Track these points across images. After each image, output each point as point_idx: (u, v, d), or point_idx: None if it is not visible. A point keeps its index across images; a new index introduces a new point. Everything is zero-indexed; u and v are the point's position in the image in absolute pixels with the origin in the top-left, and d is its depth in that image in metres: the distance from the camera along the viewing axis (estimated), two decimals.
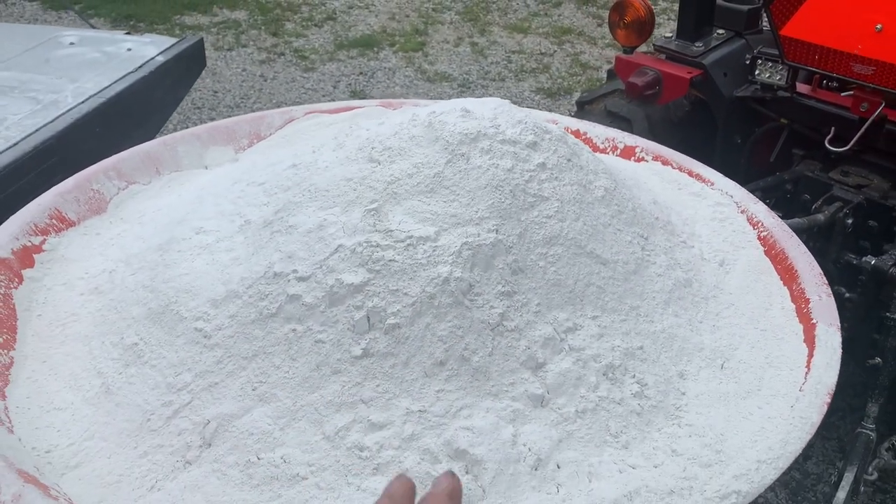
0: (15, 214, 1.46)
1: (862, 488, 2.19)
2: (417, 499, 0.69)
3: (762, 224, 1.59)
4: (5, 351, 1.23)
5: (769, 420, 1.16)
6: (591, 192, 1.35)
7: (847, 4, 2.50)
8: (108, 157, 1.67)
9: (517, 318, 1.17)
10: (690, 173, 1.76)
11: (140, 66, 2.78)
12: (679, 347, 1.26)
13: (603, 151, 1.86)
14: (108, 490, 1.04)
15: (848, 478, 2.12)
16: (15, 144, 2.24)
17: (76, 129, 2.39)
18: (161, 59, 2.86)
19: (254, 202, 1.37)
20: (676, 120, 3.03)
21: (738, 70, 2.91)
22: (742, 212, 1.64)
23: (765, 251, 1.54)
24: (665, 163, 1.80)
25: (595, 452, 1.09)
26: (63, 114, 2.42)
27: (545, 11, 7.13)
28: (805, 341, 1.31)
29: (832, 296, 1.37)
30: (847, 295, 2.47)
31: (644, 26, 2.99)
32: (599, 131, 1.90)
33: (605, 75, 3.85)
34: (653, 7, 3.03)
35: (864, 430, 2.23)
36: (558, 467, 1.07)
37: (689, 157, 1.80)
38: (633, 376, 1.18)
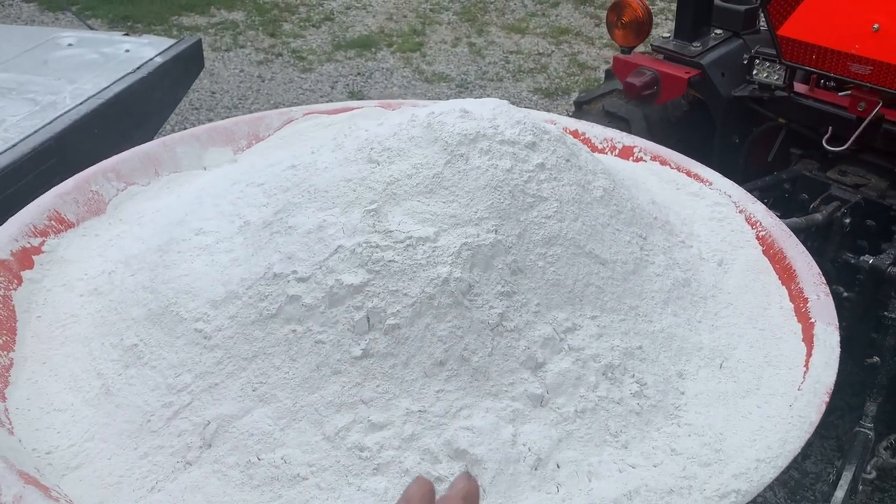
0: (14, 216, 1.46)
1: (860, 487, 2.19)
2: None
3: (760, 223, 1.59)
4: (5, 352, 1.23)
5: (768, 419, 1.16)
6: (590, 192, 1.35)
7: (844, 4, 2.51)
8: (106, 158, 1.67)
9: (517, 319, 1.17)
10: (689, 173, 1.76)
11: (138, 68, 2.78)
12: (678, 347, 1.26)
13: (601, 151, 1.86)
14: (109, 491, 1.04)
15: (846, 477, 2.12)
16: (13, 146, 2.24)
17: (75, 131, 2.39)
18: (159, 60, 2.86)
19: (253, 203, 1.37)
20: (674, 120, 3.04)
21: (735, 70, 2.92)
22: (740, 211, 1.64)
23: (763, 251, 1.55)
24: (663, 163, 1.80)
25: (595, 452, 1.09)
26: (61, 115, 2.42)
27: (543, 11, 7.13)
28: (803, 340, 1.32)
29: (830, 295, 1.38)
30: (845, 294, 2.48)
31: (642, 26, 2.99)
32: (598, 131, 1.90)
33: (602, 75, 3.85)
34: (650, 7, 3.04)
35: (862, 429, 2.23)
36: (558, 467, 1.07)
37: (687, 157, 1.81)
38: (633, 376, 1.18)
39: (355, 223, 1.20)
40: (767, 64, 2.77)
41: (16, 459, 1.02)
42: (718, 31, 3.07)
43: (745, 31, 3.02)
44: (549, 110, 4.87)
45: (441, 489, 1.03)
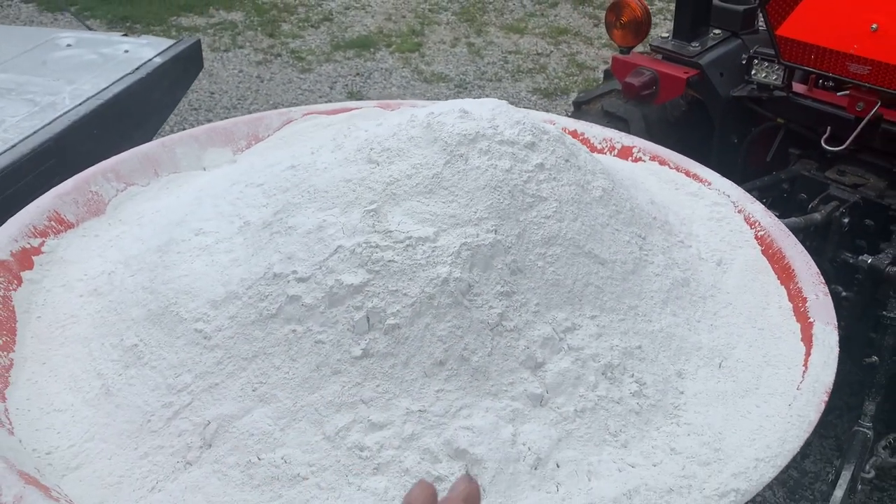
0: (13, 217, 1.46)
1: (859, 486, 2.20)
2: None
3: (759, 223, 1.60)
4: (5, 353, 1.23)
5: (767, 418, 1.17)
6: (589, 192, 1.35)
7: (843, 4, 2.51)
8: (106, 159, 1.67)
9: (516, 318, 1.17)
10: (688, 173, 1.76)
11: (137, 68, 2.78)
12: (677, 346, 1.27)
13: (600, 152, 1.86)
14: (109, 491, 1.04)
15: (845, 476, 2.13)
16: (13, 147, 2.24)
17: (74, 131, 2.39)
18: (158, 60, 2.85)
19: (253, 203, 1.37)
20: (673, 120, 3.04)
21: (734, 70, 2.92)
22: (739, 211, 1.64)
23: (762, 250, 1.55)
24: (662, 163, 1.80)
25: (594, 451, 1.10)
26: (61, 116, 2.42)
27: (541, 12, 7.13)
28: (802, 340, 1.32)
29: (829, 294, 1.38)
30: (844, 294, 2.48)
31: (640, 26, 2.99)
32: (597, 131, 1.90)
33: (601, 75, 3.86)
34: (649, 7, 3.04)
35: (861, 429, 2.23)
36: (558, 466, 1.07)
37: (686, 157, 1.81)
38: (632, 375, 1.19)
39: (355, 223, 1.21)
40: (766, 64, 2.77)
41: (16, 460, 1.02)
42: (717, 31, 3.07)
43: (743, 31, 3.03)
44: (547, 110, 4.88)
45: (441, 489, 1.03)
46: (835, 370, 1.22)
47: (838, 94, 2.77)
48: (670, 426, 1.15)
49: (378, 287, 1.14)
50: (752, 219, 1.61)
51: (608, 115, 2.95)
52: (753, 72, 2.80)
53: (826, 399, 1.16)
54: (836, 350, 1.25)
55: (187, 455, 1.08)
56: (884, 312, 2.35)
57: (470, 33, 6.66)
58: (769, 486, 1.07)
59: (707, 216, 1.63)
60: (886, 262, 2.36)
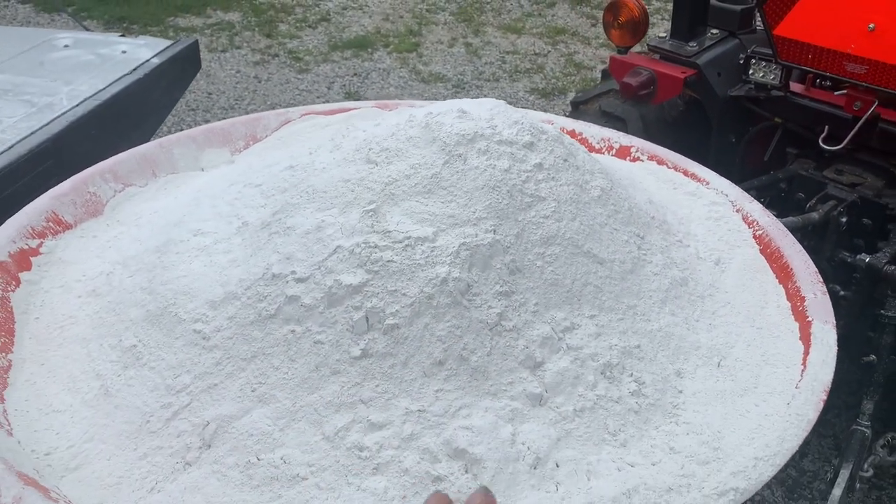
0: (11, 218, 1.46)
1: (858, 485, 2.20)
2: None
3: (757, 223, 1.60)
4: (3, 354, 1.23)
5: (766, 417, 1.17)
6: (588, 191, 1.36)
7: (840, 4, 2.52)
8: (104, 159, 1.67)
9: (515, 318, 1.17)
10: (686, 173, 1.77)
11: (135, 69, 2.78)
12: (676, 346, 1.27)
13: (598, 151, 1.87)
14: (108, 492, 1.04)
15: (844, 475, 2.13)
16: (10, 148, 2.24)
17: (71, 132, 2.38)
18: (156, 61, 2.85)
19: (251, 204, 1.37)
20: (671, 120, 3.05)
21: (731, 70, 2.93)
22: (737, 210, 1.64)
23: (760, 250, 1.55)
24: (660, 162, 1.80)
25: (593, 451, 1.10)
26: (58, 116, 2.42)
27: (539, 12, 7.14)
28: (801, 339, 1.32)
29: (827, 293, 1.38)
30: (842, 293, 2.49)
31: (638, 26, 3.00)
32: (595, 131, 1.90)
33: (599, 75, 3.86)
34: (647, 7, 3.04)
35: (859, 427, 2.24)
36: (557, 466, 1.07)
37: (684, 157, 1.81)
38: (631, 375, 1.19)
39: (354, 223, 1.21)
40: (763, 63, 2.78)
41: (15, 461, 1.02)
42: (714, 31, 3.08)
43: (741, 31, 3.03)
44: (545, 110, 4.88)
45: (441, 488, 1.03)
46: (833, 369, 1.22)
47: (836, 93, 2.78)
48: (669, 425, 1.16)
49: (377, 287, 1.14)
50: (751, 218, 1.62)
51: (606, 115, 2.95)
52: (751, 71, 2.81)
53: (825, 398, 1.16)
54: (835, 349, 1.25)
55: (186, 455, 1.08)
56: (882, 311, 2.35)
57: (467, 33, 6.66)
58: (768, 485, 1.07)
59: (705, 215, 1.63)
60: (884, 260, 2.37)
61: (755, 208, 1.63)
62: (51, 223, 1.49)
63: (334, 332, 1.13)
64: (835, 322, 1.31)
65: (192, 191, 1.60)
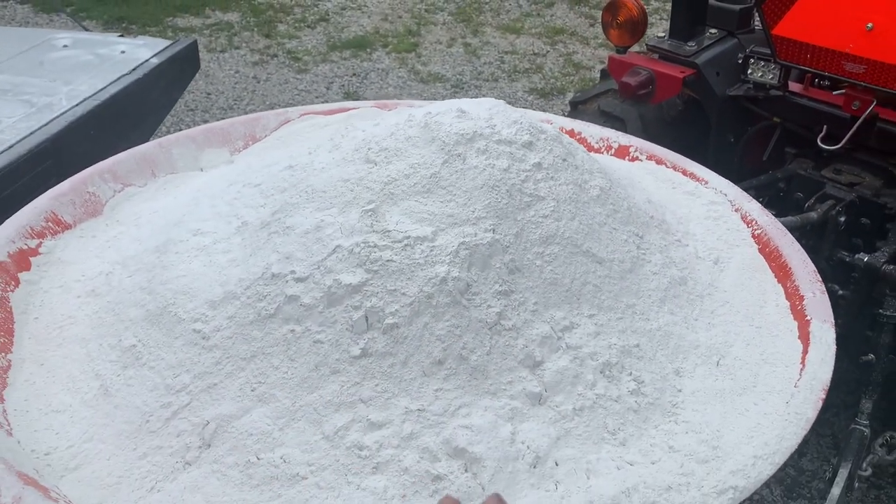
0: (10, 218, 1.46)
1: (856, 484, 2.20)
2: None
3: (756, 222, 1.60)
4: (3, 354, 1.23)
5: (765, 416, 1.17)
6: (587, 191, 1.36)
7: (838, 4, 2.52)
8: (103, 159, 1.67)
9: (514, 317, 1.17)
10: (684, 172, 1.77)
11: (134, 69, 2.78)
12: (675, 345, 1.27)
13: (597, 151, 1.87)
14: (108, 492, 1.04)
15: (842, 474, 2.13)
16: (9, 148, 2.24)
17: (71, 132, 2.38)
18: (155, 61, 2.85)
19: (250, 203, 1.37)
20: (670, 119, 3.04)
21: (730, 69, 2.93)
22: (736, 210, 1.65)
23: (759, 249, 1.55)
24: (659, 162, 1.81)
25: (593, 450, 1.10)
26: (57, 117, 2.42)
27: (538, 12, 7.14)
28: (800, 338, 1.32)
29: (826, 292, 1.38)
30: (840, 292, 2.49)
31: (637, 26, 3.00)
32: (594, 131, 1.91)
33: (598, 75, 3.86)
34: (645, 7, 3.04)
35: (858, 427, 2.24)
36: (556, 465, 1.07)
37: (682, 156, 1.81)
38: (630, 374, 1.19)
39: (353, 223, 1.21)
40: (762, 63, 2.78)
41: (15, 461, 1.02)
42: (713, 31, 3.08)
43: (739, 31, 3.03)
44: (544, 110, 4.88)
45: (441, 487, 1.03)
46: (832, 367, 1.22)
47: (834, 93, 2.78)
48: (668, 424, 1.16)
49: (376, 286, 1.14)
50: (749, 217, 1.62)
51: (605, 115, 2.95)
52: (749, 71, 2.81)
53: (823, 396, 1.17)
54: (834, 347, 1.26)
55: (186, 455, 1.08)
56: (880, 311, 2.35)
57: (466, 33, 6.66)
58: (767, 485, 1.07)
59: (704, 215, 1.63)
60: (882, 260, 2.37)
61: (754, 207, 1.64)
62: (50, 223, 1.49)
63: (334, 332, 1.13)
64: (833, 321, 1.32)
65: (191, 191, 1.60)
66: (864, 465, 2.23)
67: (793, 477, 2.79)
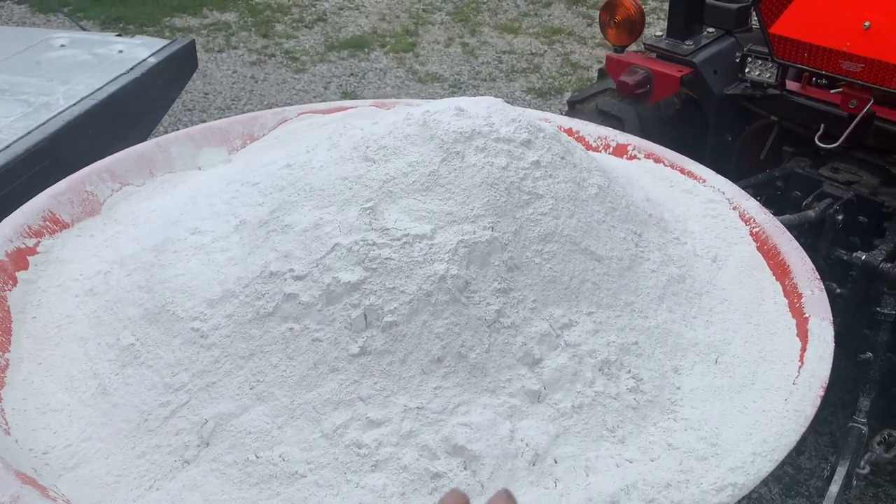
0: (8, 217, 1.45)
1: (854, 482, 2.21)
2: None
3: (754, 220, 1.60)
4: (0, 353, 1.22)
5: (764, 413, 1.17)
6: (585, 189, 1.36)
7: (836, 3, 2.52)
8: (100, 159, 1.67)
9: (513, 315, 1.17)
10: (682, 170, 1.77)
11: (132, 68, 2.78)
12: (673, 342, 1.27)
13: (595, 150, 1.87)
14: (107, 490, 1.04)
15: (840, 472, 2.13)
16: (7, 147, 2.23)
17: (68, 132, 2.38)
18: (153, 60, 2.85)
19: (248, 202, 1.37)
20: (667, 118, 3.05)
21: (728, 68, 2.93)
22: (734, 208, 1.65)
23: (757, 247, 1.56)
24: (657, 160, 1.81)
25: (592, 447, 1.10)
26: (55, 116, 2.42)
27: (535, 11, 7.14)
28: (798, 335, 1.33)
29: (824, 290, 1.39)
30: (838, 290, 2.49)
31: (634, 25, 3.00)
32: (592, 130, 1.91)
33: (595, 75, 3.86)
34: (643, 6, 3.05)
35: (856, 425, 2.24)
36: (556, 462, 1.07)
37: (680, 155, 1.82)
38: (629, 371, 1.19)
39: (352, 221, 1.21)
40: (759, 62, 2.78)
41: (13, 460, 1.02)
42: (711, 30, 3.08)
43: (737, 30, 3.04)
44: (542, 110, 4.88)
45: (441, 486, 1.03)
46: (830, 365, 1.22)
47: (831, 91, 2.78)
48: (667, 421, 1.16)
49: (375, 284, 1.14)
50: (747, 215, 1.62)
51: (603, 114, 2.96)
52: (747, 70, 2.81)
53: (822, 394, 1.17)
54: (832, 345, 1.26)
55: (185, 454, 1.08)
56: (878, 309, 2.36)
57: (464, 33, 6.66)
58: (765, 483, 1.07)
59: (702, 213, 1.63)
60: (880, 258, 2.37)
61: (752, 206, 1.64)
62: (48, 222, 1.49)
63: (332, 330, 1.13)
64: (831, 318, 1.32)
65: (189, 189, 1.59)
66: (863, 463, 2.23)
67: (791, 475, 2.80)
